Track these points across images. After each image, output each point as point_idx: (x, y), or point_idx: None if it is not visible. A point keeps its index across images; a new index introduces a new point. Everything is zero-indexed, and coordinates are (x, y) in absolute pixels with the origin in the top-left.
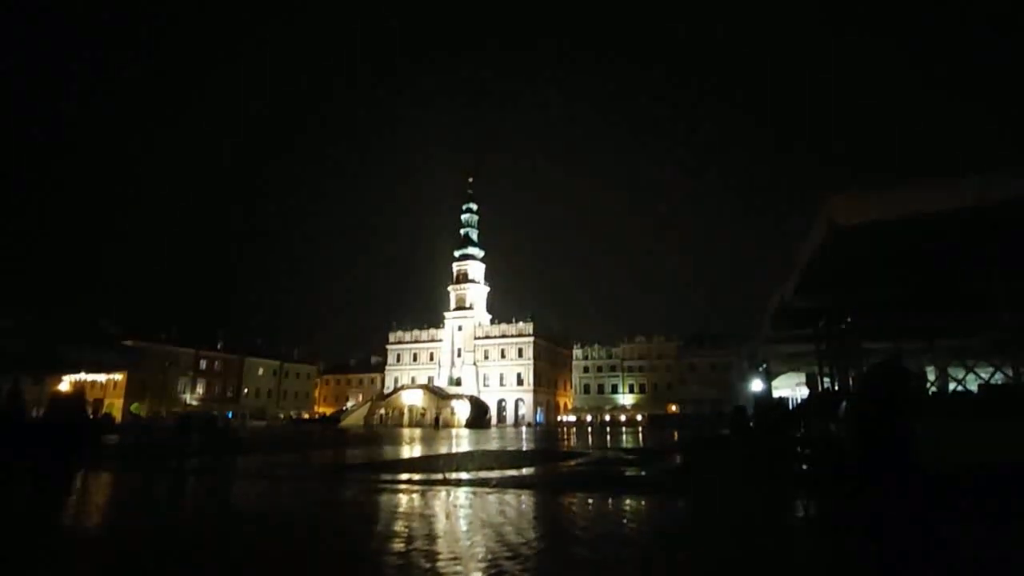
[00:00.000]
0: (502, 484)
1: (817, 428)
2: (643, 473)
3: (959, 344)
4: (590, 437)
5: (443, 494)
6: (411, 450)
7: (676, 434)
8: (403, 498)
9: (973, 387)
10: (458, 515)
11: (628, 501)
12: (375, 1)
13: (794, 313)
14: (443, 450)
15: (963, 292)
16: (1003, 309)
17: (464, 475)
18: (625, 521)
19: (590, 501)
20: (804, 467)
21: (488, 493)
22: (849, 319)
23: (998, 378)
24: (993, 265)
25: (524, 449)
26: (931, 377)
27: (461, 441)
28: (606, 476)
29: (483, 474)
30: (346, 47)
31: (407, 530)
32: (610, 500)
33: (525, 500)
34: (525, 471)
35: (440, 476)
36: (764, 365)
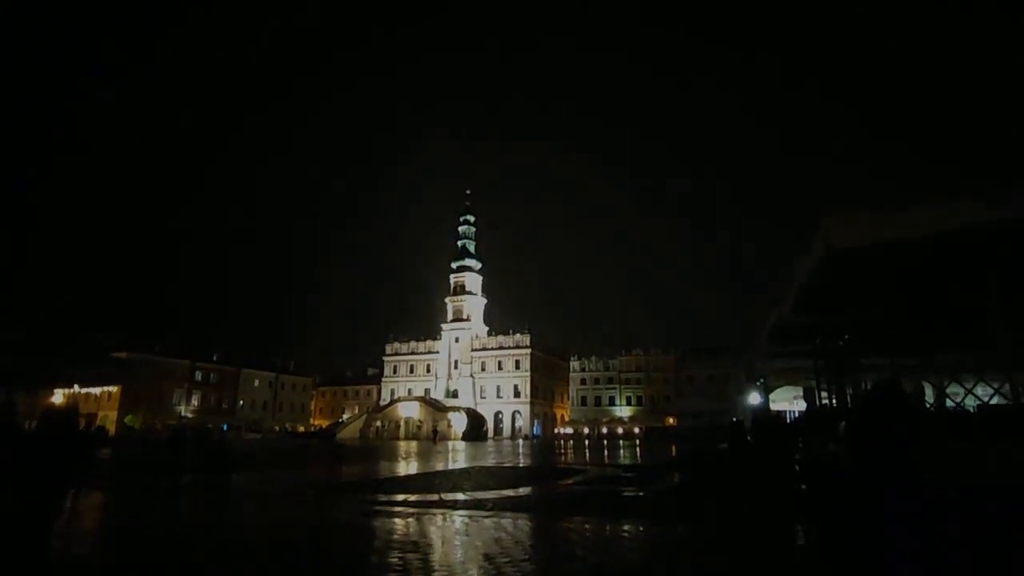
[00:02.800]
0: (499, 506)
1: (816, 447)
2: (642, 494)
3: (955, 361)
4: (587, 451)
5: (439, 519)
6: (407, 466)
7: (674, 448)
8: (399, 522)
9: (971, 404)
10: (454, 543)
11: (627, 527)
12: (373, 2)
13: (792, 329)
14: (439, 466)
15: (960, 311)
16: (1000, 328)
17: (460, 495)
18: (624, 549)
19: (588, 526)
20: (803, 487)
21: (484, 517)
22: (846, 336)
23: (996, 398)
24: (992, 284)
25: (521, 465)
26: (928, 397)
27: (458, 456)
28: (605, 497)
29: (479, 494)
30: (345, 51)
31: (401, 561)
32: (608, 526)
33: (522, 525)
34: (522, 491)
35: (436, 497)
36: (762, 380)
